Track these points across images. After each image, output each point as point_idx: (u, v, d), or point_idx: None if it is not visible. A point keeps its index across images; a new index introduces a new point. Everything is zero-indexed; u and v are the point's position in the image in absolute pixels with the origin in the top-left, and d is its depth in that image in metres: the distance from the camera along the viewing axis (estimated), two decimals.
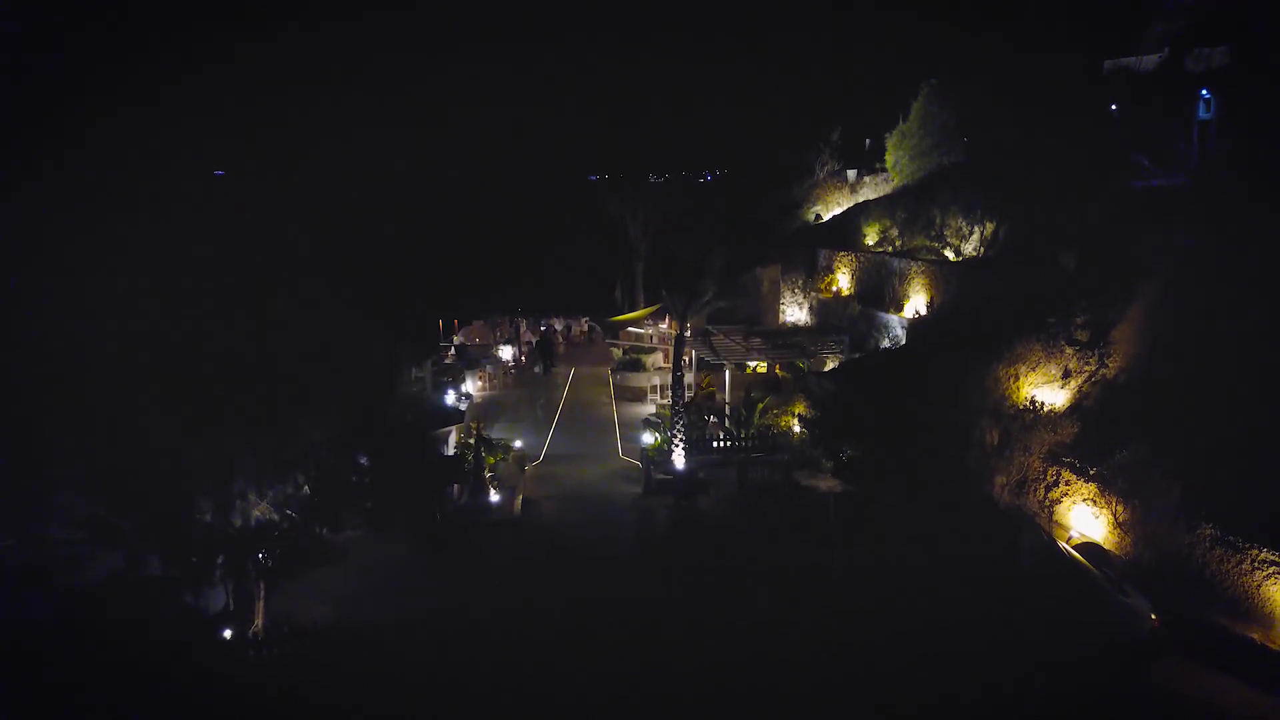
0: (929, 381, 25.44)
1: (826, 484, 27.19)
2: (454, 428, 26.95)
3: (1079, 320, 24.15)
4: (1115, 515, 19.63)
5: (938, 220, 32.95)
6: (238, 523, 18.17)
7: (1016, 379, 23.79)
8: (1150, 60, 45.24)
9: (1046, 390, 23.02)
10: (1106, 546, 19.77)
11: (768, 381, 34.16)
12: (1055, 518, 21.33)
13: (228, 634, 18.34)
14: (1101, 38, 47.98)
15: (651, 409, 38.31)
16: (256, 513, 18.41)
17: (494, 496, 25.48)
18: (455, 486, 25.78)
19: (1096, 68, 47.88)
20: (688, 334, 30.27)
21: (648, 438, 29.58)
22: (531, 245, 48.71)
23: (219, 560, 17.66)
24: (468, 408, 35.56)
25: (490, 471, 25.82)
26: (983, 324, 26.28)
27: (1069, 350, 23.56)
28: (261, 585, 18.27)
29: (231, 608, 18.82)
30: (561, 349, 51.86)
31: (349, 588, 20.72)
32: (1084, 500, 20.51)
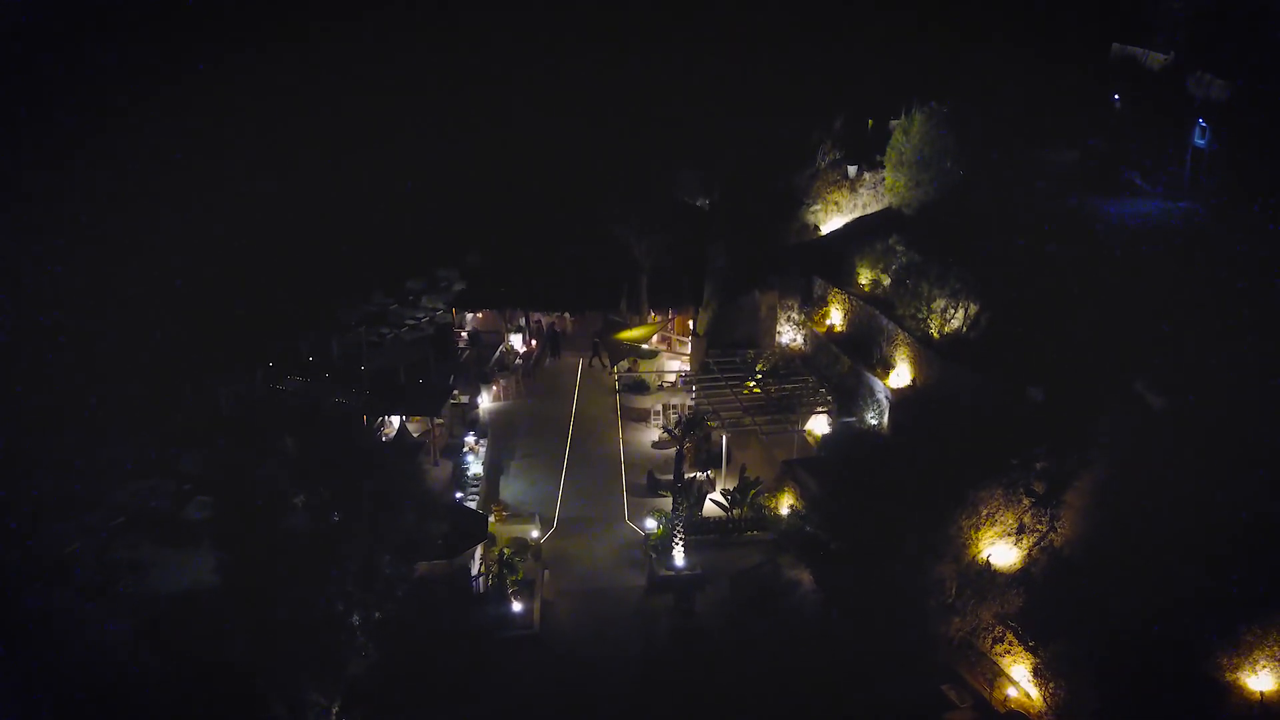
0: (901, 509, 28.39)
1: (809, 579, 30.65)
2: (479, 546, 30.02)
3: (1038, 466, 26.68)
4: (1046, 698, 23.09)
5: (925, 294, 34.53)
6: None
7: (976, 530, 26.61)
8: (1157, 59, 44.70)
9: (1001, 547, 25.90)
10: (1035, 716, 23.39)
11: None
12: (1002, 666, 24.80)
13: None
14: (1111, 25, 47.04)
15: (654, 435, 41.51)
16: None
17: (515, 606, 28.92)
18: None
19: (1104, 51, 47.33)
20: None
21: (651, 523, 32.81)
22: (536, 246, 50.08)
23: None
24: (485, 453, 38.64)
25: (511, 588, 29.13)
26: (950, 449, 28.80)
27: (1025, 501, 26.26)
28: None
29: None
30: (570, 328, 54.16)
31: None
32: (1024, 669, 23.90)
